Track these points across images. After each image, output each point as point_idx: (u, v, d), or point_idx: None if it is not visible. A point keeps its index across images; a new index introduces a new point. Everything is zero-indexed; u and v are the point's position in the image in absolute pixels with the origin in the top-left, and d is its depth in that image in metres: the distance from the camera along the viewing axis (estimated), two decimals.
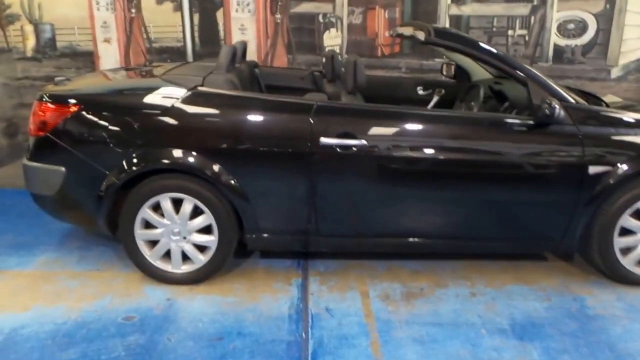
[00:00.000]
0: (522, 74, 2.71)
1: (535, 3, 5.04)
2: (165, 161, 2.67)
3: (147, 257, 2.84)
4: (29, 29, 5.30)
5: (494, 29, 5.15)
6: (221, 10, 5.04)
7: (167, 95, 2.72)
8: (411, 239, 2.86)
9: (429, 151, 2.68)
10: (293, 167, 2.69)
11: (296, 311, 2.67)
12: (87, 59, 5.34)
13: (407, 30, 3.14)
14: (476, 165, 2.72)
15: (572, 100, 2.73)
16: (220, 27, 5.08)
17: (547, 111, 2.57)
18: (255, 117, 2.71)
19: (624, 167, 2.68)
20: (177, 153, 2.66)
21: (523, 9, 5.08)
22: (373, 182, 2.73)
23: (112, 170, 2.69)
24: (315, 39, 5.11)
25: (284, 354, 2.33)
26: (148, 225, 2.80)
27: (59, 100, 2.74)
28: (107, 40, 5.26)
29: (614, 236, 2.79)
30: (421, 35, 2.81)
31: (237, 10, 4.97)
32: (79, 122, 2.70)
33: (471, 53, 2.78)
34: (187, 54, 5.17)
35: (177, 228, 2.78)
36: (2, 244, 3.34)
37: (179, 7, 5.07)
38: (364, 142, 2.65)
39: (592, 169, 2.68)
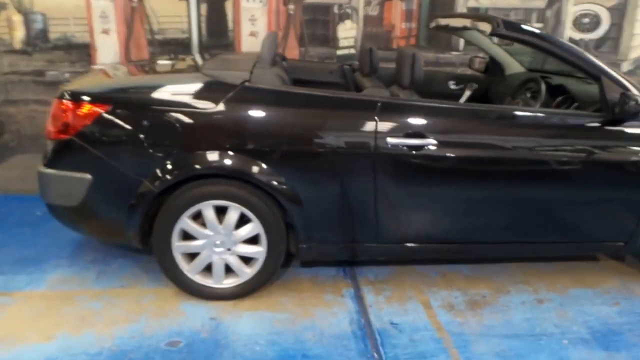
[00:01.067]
0: (594, 69, 2.53)
1: None
2: (211, 165, 2.39)
3: (185, 271, 2.55)
4: (18, 18, 4.87)
5: None
6: (231, 0, 4.72)
7: (212, 92, 2.44)
8: (474, 244, 2.66)
9: (502, 150, 2.50)
10: (356, 169, 2.46)
11: (359, 327, 2.44)
12: (82, 52, 4.94)
13: (459, 22, 2.92)
14: (548, 164, 2.54)
15: None
16: (229, 18, 4.77)
17: (630, 107, 2.39)
18: (312, 116, 2.45)
19: None
20: (225, 156, 2.39)
21: (540, 2, 4.95)
22: (442, 184, 2.52)
23: (148, 177, 2.39)
24: (329, 30, 4.86)
25: None
26: (186, 236, 2.51)
27: (87, 98, 2.42)
28: (105, 32, 4.88)
29: None
30: (486, 27, 2.60)
31: (248, 0, 4.67)
32: (110, 123, 2.39)
33: (541, 45, 2.58)
34: (193, 46, 4.84)
35: (221, 239, 2.51)
36: (4, 259, 2.98)
37: None
38: (433, 141, 2.43)
39: None
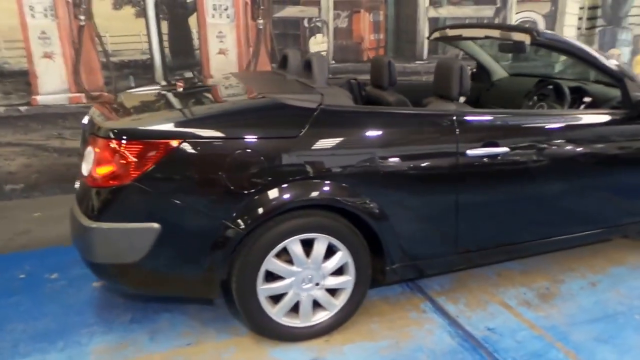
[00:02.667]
0: (617, 72, 2.75)
1: (498, 5, 5.27)
2: (306, 196, 2.20)
3: (271, 315, 2.33)
4: None
5: None
6: (194, 16, 4.44)
7: (290, 118, 2.26)
8: (534, 241, 2.77)
9: (559, 150, 2.64)
10: (441, 183, 2.42)
11: (462, 339, 2.41)
12: (19, 81, 4.33)
13: (491, 33, 3.03)
14: (594, 158, 2.73)
15: None
16: (194, 36, 4.47)
17: None
18: (395, 134, 2.38)
19: None
20: (316, 184, 2.22)
21: (489, 12, 5.30)
22: (512, 188, 2.59)
23: (230, 218, 2.14)
24: (300, 45, 4.76)
25: None
26: (269, 276, 2.30)
27: (148, 135, 2.09)
28: (48, 56, 4.33)
29: None
30: (523, 37, 2.72)
31: (213, 16, 4.43)
32: (180, 161, 2.08)
33: (573, 52, 2.76)
34: (156, 68, 4.47)
35: (309, 274, 2.33)
36: (17, 338, 2.45)
37: (142, 13, 4.35)
38: (506, 149, 2.48)
39: None
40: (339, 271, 2.39)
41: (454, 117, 2.45)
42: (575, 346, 2.34)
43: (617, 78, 2.78)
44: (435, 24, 5.16)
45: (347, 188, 2.26)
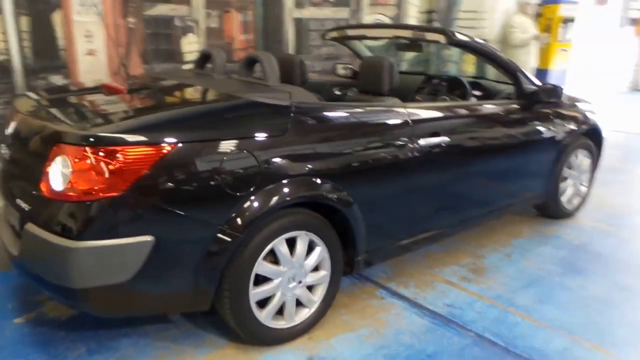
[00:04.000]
0: (512, 68, 3.25)
1: (353, 8, 5.69)
2: (296, 194, 2.18)
3: (261, 320, 2.26)
4: None
5: None
6: (59, 12, 3.91)
7: (276, 117, 2.21)
8: (463, 221, 3.12)
9: (480, 135, 3.02)
10: (401, 170, 2.59)
11: (431, 317, 2.62)
12: None
13: (402, 33, 3.30)
14: (502, 141, 3.15)
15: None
16: (59, 35, 3.94)
17: (549, 94, 3.20)
18: (362, 127, 2.48)
19: (574, 127, 3.59)
20: (302, 182, 2.21)
21: (345, 13, 5.68)
22: (449, 172, 2.88)
23: (227, 223, 2.03)
24: (173, 45, 4.52)
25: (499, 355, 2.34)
26: (256, 281, 2.23)
27: (138, 141, 1.87)
28: None
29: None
30: (439, 38, 3.03)
31: (79, 13, 3.96)
32: (175, 166, 1.91)
33: (481, 51, 3.15)
34: (15, 71, 3.82)
35: (294, 273, 2.31)
36: None
37: None
38: (446, 138, 2.76)
39: (559, 136, 3.49)
40: (316, 267, 2.41)
41: (406, 111, 2.64)
42: (525, 309, 2.70)
43: (512, 72, 3.26)
44: (299, 25, 5.34)
45: (329, 183, 2.29)
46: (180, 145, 1.92)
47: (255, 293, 2.20)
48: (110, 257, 1.85)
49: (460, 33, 3.08)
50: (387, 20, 6.02)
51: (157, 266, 1.93)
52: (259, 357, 2.27)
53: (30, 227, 1.93)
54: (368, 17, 5.84)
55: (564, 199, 3.84)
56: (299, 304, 2.39)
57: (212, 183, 1.98)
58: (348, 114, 2.47)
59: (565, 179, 3.79)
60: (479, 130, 3.00)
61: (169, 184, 1.91)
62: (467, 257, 3.28)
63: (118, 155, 1.82)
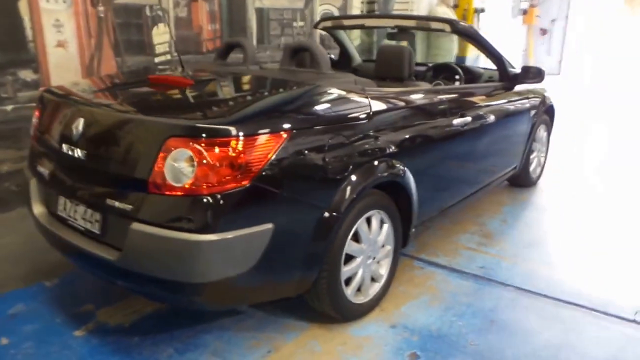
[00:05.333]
0: (498, 54, 3.57)
1: None
2: (381, 175, 2.30)
3: (349, 297, 2.36)
4: None
5: (285, 21, 5.64)
6: (25, 0, 3.58)
7: (359, 101, 2.31)
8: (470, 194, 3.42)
9: (489, 118, 3.28)
10: (440, 149, 2.80)
11: (473, 279, 2.88)
12: None
13: (406, 23, 3.50)
14: (496, 117, 3.42)
15: None
16: (27, 24, 3.62)
17: (533, 75, 3.57)
18: (418, 108, 2.67)
19: (540, 105, 4.01)
20: (384, 163, 2.34)
21: (300, 3, 5.77)
22: (472, 147, 3.16)
23: (330, 205, 2.09)
24: (144, 36, 4.33)
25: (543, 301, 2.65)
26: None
27: (265, 129, 1.87)
28: None
29: None
30: (445, 27, 3.28)
31: (48, 0, 3.66)
32: (288, 153, 1.93)
33: (477, 39, 3.41)
34: None
35: (371, 250, 2.44)
36: None
37: None
38: (469, 118, 3.02)
39: (532, 113, 3.91)
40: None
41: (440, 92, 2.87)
42: (544, 262, 3.07)
43: (497, 57, 3.57)
44: (261, 14, 5.34)
45: (399, 163, 2.43)
46: (293, 132, 1.94)
47: (344, 272, 2.29)
48: (235, 248, 1.84)
49: (462, 23, 3.36)
50: (335, 11, 6.18)
51: (273, 254, 1.94)
52: (346, 332, 2.36)
53: (139, 226, 1.83)
54: (320, 7, 5.96)
55: (531, 169, 4.31)
56: (371, 279, 2.51)
57: (319, 168, 2.03)
58: (408, 97, 2.62)
59: (532, 151, 4.25)
60: (485, 110, 3.29)
61: (286, 171, 1.92)
62: (472, 226, 3.59)
63: (245, 145, 1.80)
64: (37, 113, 2.45)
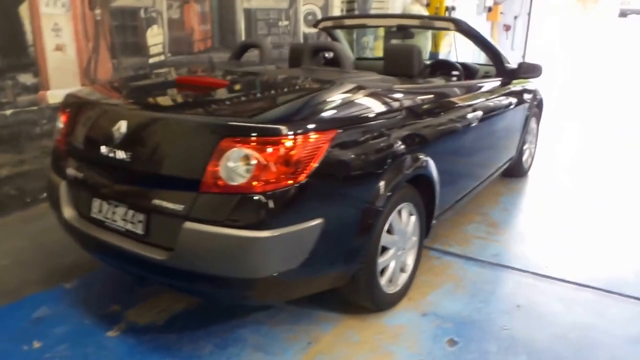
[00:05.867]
0: (497, 50, 3.70)
1: None
2: (414, 168, 2.38)
3: (382, 287, 2.42)
4: None
5: (271, 21, 5.66)
6: (26, 4, 3.51)
7: (392, 98, 2.40)
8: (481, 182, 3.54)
9: (493, 112, 3.41)
10: (459, 143, 2.90)
11: (489, 267, 3.00)
12: None
13: (410, 22, 3.59)
14: (495, 111, 3.54)
15: None
16: (28, 29, 3.54)
17: (530, 70, 3.71)
18: (441, 105, 2.77)
19: (532, 99, 4.20)
20: (416, 157, 2.42)
21: (285, 4, 5.81)
22: (482, 139, 3.30)
23: (371, 199, 2.16)
24: (139, 38, 4.29)
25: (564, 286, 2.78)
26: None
27: (311, 126, 1.91)
28: None
29: None
30: (449, 25, 3.39)
31: (47, 4, 3.60)
32: (338, 149, 1.98)
33: (479, 38, 3.52)
34: None
35: (402, 241, 2.51)
36: None
37: None
38: (480, 113, 3.15)
39: (527, 106, 4.07)
40: None
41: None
42: (553, 247, 3.23)
43: (496, 54, 3.70)
44: (249, 15, 5.35)
45: (427, 156, 2.51)
46: (340, 129, 2.00)
47: (379, 263, 2.35)
48: (289, 243, 1.87)
49: (464, 22, 3.46)
50: (317, 10, 6.25)
51: (321, 248, 1.98)
52: (380, 322, 2.42)
53: (193, 225, 1.85)
54: (303, 7, 6.01)
55: (523, 159, 4.48)
56: (400, 269, 2.58)
57: (361, 163, 2.10)
58: (431, 93, 2.72)
59: (524, 142, 4.41)
60: (491, 104, 3.41)
61: (334, 167, 1.98)
62: (477, 216, 3.71)
63: (299, 143, 1.84)
64: (63, 117, 2.41)
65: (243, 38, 5.30)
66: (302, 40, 6.13)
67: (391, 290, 2.50)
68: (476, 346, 2.28)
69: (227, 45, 5.16)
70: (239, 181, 1.81)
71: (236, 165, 1.81)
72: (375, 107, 2.26)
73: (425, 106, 2.61)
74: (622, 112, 8.11)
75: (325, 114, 2.02)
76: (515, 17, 12.23)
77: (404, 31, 3.86)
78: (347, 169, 2.04)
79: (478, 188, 3.48)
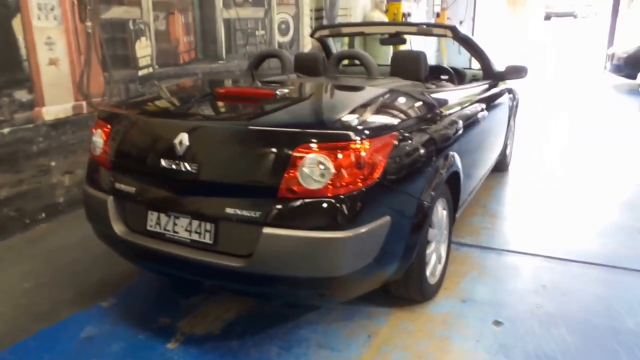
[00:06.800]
0: (485, 55, 3.92)
1: (266, 7, 5.92)
2: (451, 166, 2.54)
3: (427, 279, 2.55)
4: None
5: (249, 30, 5.71)
6: (19, 17, 3.40)
7: (430, 104, 2.56)
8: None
9: (491, 112, 3.62)
10: (474, 141, 3.10)
11: (506, 254, 3.20)
12: None
13: (408, 29, 3.75)
14: (488, 110, 3.79)
15: None
16: (21, 43, 3.43)
17: (517, 72, 3.95)
18: (461, 103, 2.97)
19: (513, 99, 4.49)
20: (449, 156, 2.58)
21: (260, 13, 5.87)
22: (484, 137, 3.47)
23: (422, 195, 2.27)
24: (128, 50, 4.23)
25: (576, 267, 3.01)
26: None
27: (382, 131, 2.04)
28: None
29: None
30: (447, 33, 3.59)
31: (39, 18, 3.51)
32: (398, 150, 2.09)
33: (471, 44, 3.74)
34: None
35: (439, 234, 2.65)
36: None
37: None
38: (486, 112, 3.36)
39: (510, 105, 4.35)
40: None
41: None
42: (555, 233, 3.48)
43: (484, 58, 3.91)
44: (228, 25, 5.37)
45: (454, 153, 2.66)
46: (399, 132, 2.12)
47: (427, 254, 2.48)
48: (364, 242, 1.95)
49: (461, 31, 3.67)
50: (289, 19, 6.34)
51: (389, 244, 2.07)
52: (427, 311, 2.54)
53: (273, 230, 1.89)
54: (277, 16, 6.09)
55: (507, 153, 4.76)
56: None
57: (415, 162, 2.22)
58: (455, 95, 2.91)
59: (508, 138, 4.70)
60: (490, 104, 3.63)
61: (397, 167, 2.08)
62: (478, 208, 3.92)
63: (371, 147, 1.94)
64: (102, 132, 2.37)
65: (224, 49, 5.32)
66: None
67: (432, 281, 2.62)
68: (520, 324, 2.43)
69: (210, 55, 5.17)
70: (316, 186, 1.88)
71: (313, 170, 1.88)
72: (422, 110, 2.42)
73: (452, 107, 2.77)
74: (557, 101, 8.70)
75: (386, 119, 2.14)
76: (461, 22, 12.82)
77: (396, 37, 4.03)
78: (405, 168, 2.15)
79: (482, 180, 3.68)
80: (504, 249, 3.23)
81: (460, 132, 2.80)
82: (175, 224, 2.11)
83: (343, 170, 1.88)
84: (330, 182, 1.88)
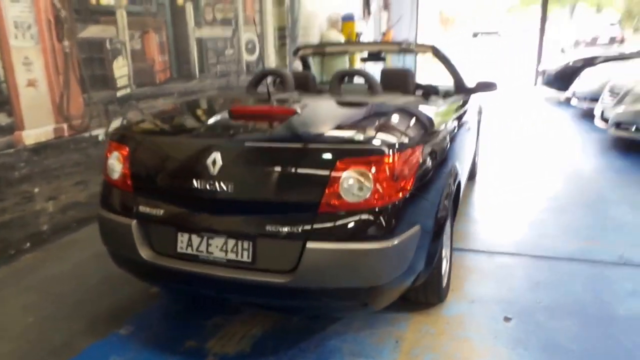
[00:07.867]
0: (458, 70, 4.14)
1: (233, 27, 5.97)
2: (458, 173, 2.73)
3: (443, 284, 2.68)
4: None
5: (219, 49, 5.72)
6: None
7: (439, 114, 2.75)
8: None
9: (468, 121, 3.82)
10: (465, 147, 3.29)
11: (499, 255, 3.38)
12: None
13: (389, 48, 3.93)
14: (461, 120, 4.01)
15: None
16: None
17: (487, 87, 4.20)
18: (456, 115, 3.15)
19: (480, 110, 4.79)
20: (454, 163, 2.75)
21: (229, 32, 5.91)
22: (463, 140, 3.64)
23: (440, 202, 2.40)
24: (106, 70, 4.15)
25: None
26: None
27: (415, 143, 2.16)
28: None
29: None
30: (428, 50, 3.79)
31: (16, 37, 3.40)
32: (421, 160, 2.20)
33: (447, 61, 3.95)
34: None
35: (447, 239, 2.78)
36: None
37: None
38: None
39: (478, 117, 4.62)
40: None
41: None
42: (533, 233, 3.72)
43: (456, 74, 4.12)
44: (200, 44, 5.36)
45: (455, 162, 2.82)
46: (424, 144, 2.25)
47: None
48: (402, 250, 2.04)
49: (440, 49, 3.87)
50: (255, 38, 6.39)
51: (419, 252, 2.17)
52: (442, 314, 2.65)
53: (316, 244, 1.94)
54: (243, 35, 6.13)
55: (476, 162, 5.03)
56: None
57: (435, 171, 2.34)
58: (451, 109, 3.11)
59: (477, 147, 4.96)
60: (466, 117, 3.83)
61: (424, 177, 2.20)
62: (458, 215, 4.08)
63: (405, 159, 2.04)
64: (119, 155, 2.31)
65: (197, 68, 5.29)
66: (244, 68, 6.23)
67: (444, 284, 2.74)
68: (528, 319, 2.59)
69: (184, 75, 5.13)
70: (356, 199, 1.95)
71: (353, 184, 1.95)
72: (437, 123, 2.55)
73: (452, 120, 2.94)
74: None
75: (412, 132, 2.24)
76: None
77: (376, 55, 4.19)
78: (430, 178, 2.27)
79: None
80: (493, 251, 3.41)
81: (457, 142, 2.96)
82: (209, 244, 2.10)
83: (381, 183, 1.95)
84: (370, 195, 1.95)
